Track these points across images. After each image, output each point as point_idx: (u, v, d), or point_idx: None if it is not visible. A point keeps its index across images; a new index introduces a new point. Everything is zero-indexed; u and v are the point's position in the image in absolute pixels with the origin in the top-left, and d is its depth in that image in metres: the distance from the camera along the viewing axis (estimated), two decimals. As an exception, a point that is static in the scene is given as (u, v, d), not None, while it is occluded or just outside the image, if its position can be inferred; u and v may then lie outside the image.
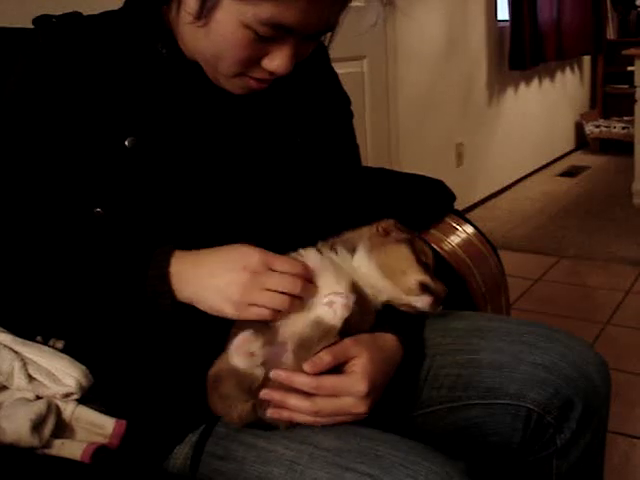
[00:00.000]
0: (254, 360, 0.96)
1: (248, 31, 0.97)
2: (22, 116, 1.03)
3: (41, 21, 1.06)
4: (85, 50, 1.05)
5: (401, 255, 1.09)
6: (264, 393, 0.99)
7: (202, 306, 1.00)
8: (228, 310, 0.99)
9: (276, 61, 1.02)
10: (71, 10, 1.10)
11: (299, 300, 1.00)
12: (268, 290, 0.98)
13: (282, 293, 0.99)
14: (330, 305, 1.00)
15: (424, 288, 1.08)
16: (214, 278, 0.99)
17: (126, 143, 1.04)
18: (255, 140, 1.14)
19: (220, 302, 0.99)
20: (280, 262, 1.01)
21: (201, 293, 1.00)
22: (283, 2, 0.94)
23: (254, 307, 0.99)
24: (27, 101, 1.03)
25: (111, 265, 1.02)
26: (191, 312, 1.01)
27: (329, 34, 1.08)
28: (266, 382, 0.99)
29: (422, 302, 1.08)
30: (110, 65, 1.06)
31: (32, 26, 1.07)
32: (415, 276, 1.08)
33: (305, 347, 0.99)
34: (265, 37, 0.98)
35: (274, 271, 1.00)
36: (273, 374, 0.99)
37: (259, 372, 0.98)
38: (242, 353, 0.95)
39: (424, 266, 1.09)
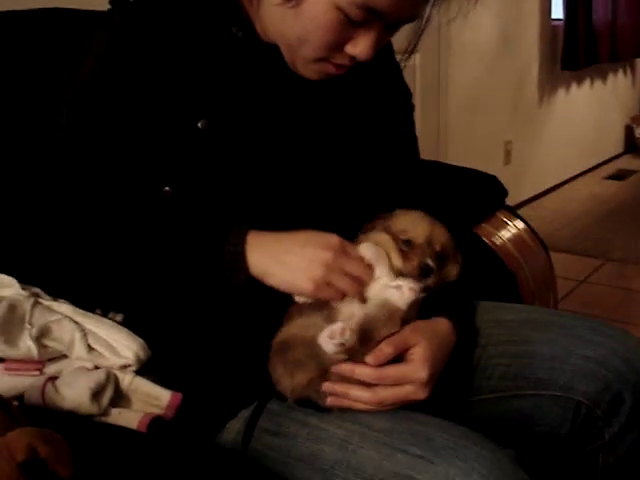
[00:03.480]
0: (341, 349, 0.98)
1: (339, 13, 0.99)
2: (98, 97, 1.06)
3: (118, 2, 1.08)
4: (161, 32, 1.07)
5: (383, 242, 1.11)
6: (326, 386, 1.01)
7: (273, 280, 1.02)
8: (305, 287, 1.01)
9: (359, 46, 1.03)
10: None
11: (364, 287, 1.04)
12: (347, 274, 1.02)
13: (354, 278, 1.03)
14: (398, 288, 1.03)
15: (399, 273, 1.08)
16: (294, 255, 1.02)
17: (199, 125, 1.06)
18: (322, 126, 1.16)
19: (298, 278, 1.01)
20: (353, 249, 1.05)
21: (276, 268, 1.02)
22: None
23: (330, 287, 1.01)
24: (103, 82, 1.06)
25: (186, 241, 1.05)
26: (255, 288, 1.03)
27: (423, 26, 1.09)
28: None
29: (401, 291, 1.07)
30: (185, 47, 1.08)
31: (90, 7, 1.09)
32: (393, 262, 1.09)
33: (370, 328, 1.02)
34: (355, 21, 0.99)
35: (349, 256, 1.03)
36: (334, 369, 1.01)
37: (341, 357, 1.00)
38: (336, 342, 0.98)
39: (400, 251, 1.09)
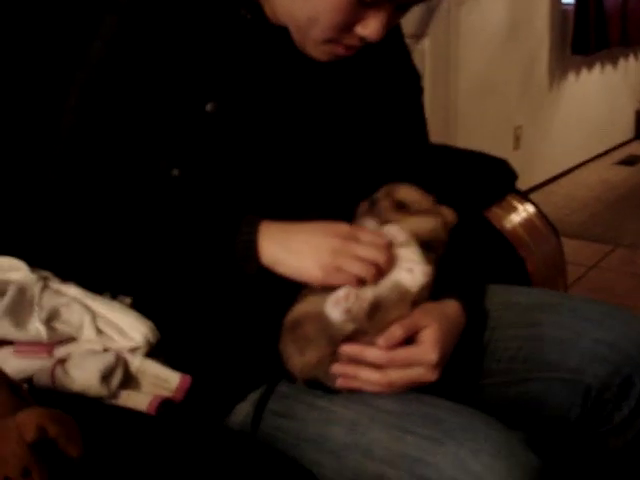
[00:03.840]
0: (348, 316, 0.99)
1: None
2: (107, 80, 1.06)
3: None
4: (169, 14, 1.07)
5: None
6: (336, 367, 1.01)
7: (283, 269, 1.03)
8: (315, 273, 1.01)
9: (370, 27, 1.03)
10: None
11: (382, 270, 1.03)
12: (357, 258, 1.01)
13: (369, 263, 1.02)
14: (410, 271, 1.03)
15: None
16: (302, 243, 1.02)
17: (207, 107, 1.06)
18: (331, 108, 1.16)
19: (306, 265, 1.02)
20: (366, 234, 1.05)
21: (285, 256, 1.02)
22: None
23: (341, 273, 1.01)
24: (112, 65, 1.06)
25: (198, 228, 1.05)
26: (265, 275, 1.03)
27: (433, 7, 1.10)
28: (354, 335, 1.01)
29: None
30: (193, 30, 1.08)
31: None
32: None
33: (381, 309, 1.01)
34: (365, 1, 0.99)
35: (361, 242, 1.03)
36: (343, 349, 1.01)
37: (349, 327, 1.00)
38: (341, 308, 0.98)
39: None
